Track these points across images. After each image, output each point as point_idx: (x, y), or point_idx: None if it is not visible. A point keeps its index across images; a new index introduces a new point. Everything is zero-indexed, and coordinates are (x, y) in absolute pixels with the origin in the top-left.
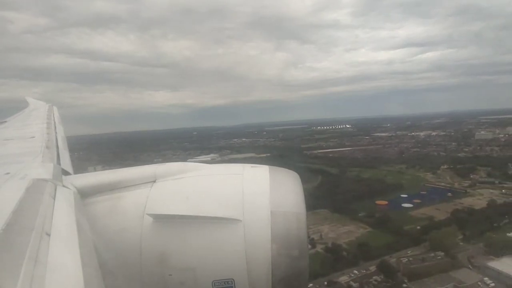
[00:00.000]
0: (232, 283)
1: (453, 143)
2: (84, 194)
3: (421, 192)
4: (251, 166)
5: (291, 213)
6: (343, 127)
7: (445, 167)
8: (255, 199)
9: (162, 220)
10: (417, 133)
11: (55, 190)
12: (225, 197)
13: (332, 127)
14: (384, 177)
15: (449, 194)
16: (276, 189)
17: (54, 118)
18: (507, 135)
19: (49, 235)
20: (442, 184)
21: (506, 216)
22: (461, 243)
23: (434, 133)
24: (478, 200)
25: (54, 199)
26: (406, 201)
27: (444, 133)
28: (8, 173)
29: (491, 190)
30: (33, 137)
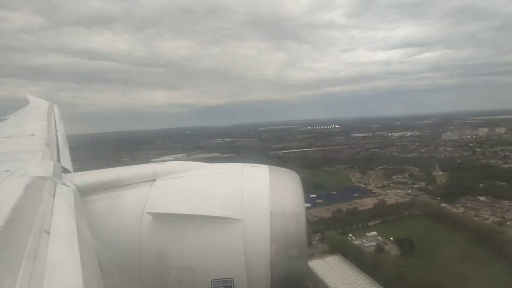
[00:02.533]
0: (231, 283)
1: (416, 144)
2: (84, 192)
3: (332, 193)
4: (251, 166)
5: (290, 213)
6: (331, 127)
7: (381, 167)
8: (255, 198)
9: (162, 219)
10: (392, 134)
11: (55, 188)
12: (225, 196)
13: (320, 127)
14: (314, 178)
15: (356, 194)
16: (275, 189)
17: (54, 116)
18: (474, 136)
19: (48, 233)
20: (361, 184)
21: (379, 217)
22: (314, 242)
23: (408, 134)
24: (377, 200)
25: (54, 197)
26: (309, 202)
27: (419, 133)
28: (8, 171)
29: (399, 191)
30: (33, 134)
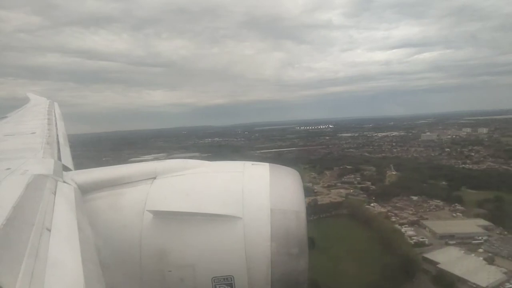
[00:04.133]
0: (231, 280)
1: (393, 144)
2: (85, 190)
3: None
4: (252, 164)
5: (290, 211)
6: (324, 127)
7: (340, 167)
8: (255, 196)
9: (162, 216)
10: (377, 134)
11: (56, 186)
12: (225, 194)
13: (314, 127)
14: None
15: None
16: (276, 187)
17: (55, 114)
18: (454, 136)
19: (49, 230)
20: (309, 184)
21: None
22: None
23: (393, 134)
24: (310, 200)
25: (55, 195)
26: None
27: (404, 133)
28: (9, 169)
29: (342, 190)
30: (34, 132)
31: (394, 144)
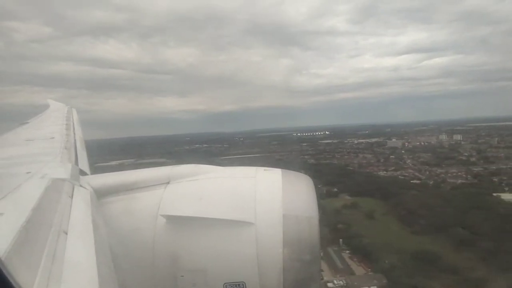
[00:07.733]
0: (243, 286)
1: (352, 150)
2: (100, 194)
3: None
4: (264, 169)
5: (303, 217)
6: (319, 134)
7: None
8: (268, 202)
9: (175, 221)
10: (353, 140)
11: (73, 189)
12: (238, 199)
13: (307, 134)
14: None
15: None
16: (288, 192)
17: (73, 120)
18: (423, 143)
19: (66, 233)
20: None
21: None
22: None
23: (372, 141)
24: None
25: (72, 199)
26: None
27: (381, 140)
28: (29, 172)
29: None
30: (53, 138)
31: (352, 151)
